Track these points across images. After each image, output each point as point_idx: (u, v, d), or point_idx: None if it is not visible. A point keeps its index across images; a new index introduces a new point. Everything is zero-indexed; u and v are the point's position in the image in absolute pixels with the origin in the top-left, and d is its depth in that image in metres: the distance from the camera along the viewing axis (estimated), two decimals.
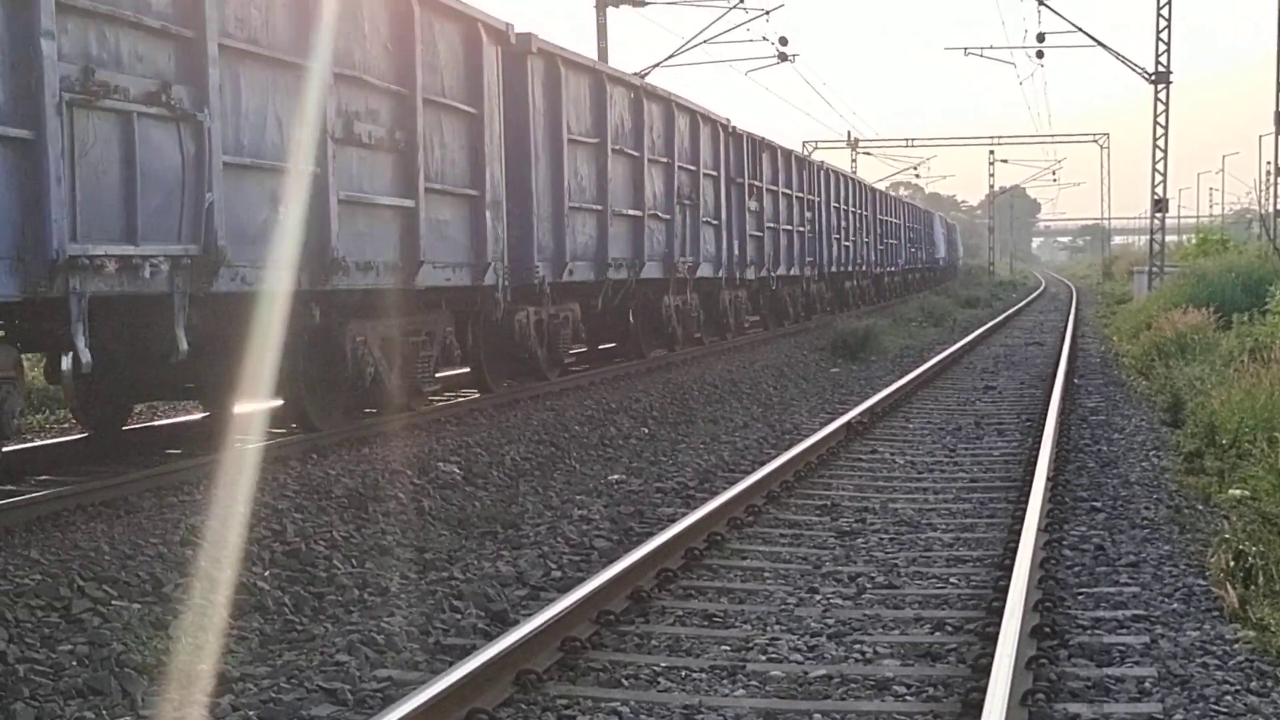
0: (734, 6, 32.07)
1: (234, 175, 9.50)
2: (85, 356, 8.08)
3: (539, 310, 16.08)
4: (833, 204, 34.98)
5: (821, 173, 33.93)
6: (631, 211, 18.91)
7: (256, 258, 9.86)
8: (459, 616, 6.82)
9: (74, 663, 5.98)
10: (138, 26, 8.48)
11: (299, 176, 10.39)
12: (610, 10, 31.70)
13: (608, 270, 17.77)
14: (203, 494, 9.10)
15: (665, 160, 20.39)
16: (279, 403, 11.71)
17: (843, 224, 36.45)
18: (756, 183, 26.50)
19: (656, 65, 32.61)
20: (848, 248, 37.31)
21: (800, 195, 30.66)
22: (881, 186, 49.08)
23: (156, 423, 13.20)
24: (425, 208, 12.38)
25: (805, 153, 41.61)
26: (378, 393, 12.45)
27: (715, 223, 23.39)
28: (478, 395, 15.44)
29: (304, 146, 10.42)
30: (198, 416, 12.63)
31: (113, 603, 6.72)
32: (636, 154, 19.07)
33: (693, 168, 21.77)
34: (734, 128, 24.69)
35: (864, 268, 40.67)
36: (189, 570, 7.29)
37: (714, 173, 23.21)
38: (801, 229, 30.81)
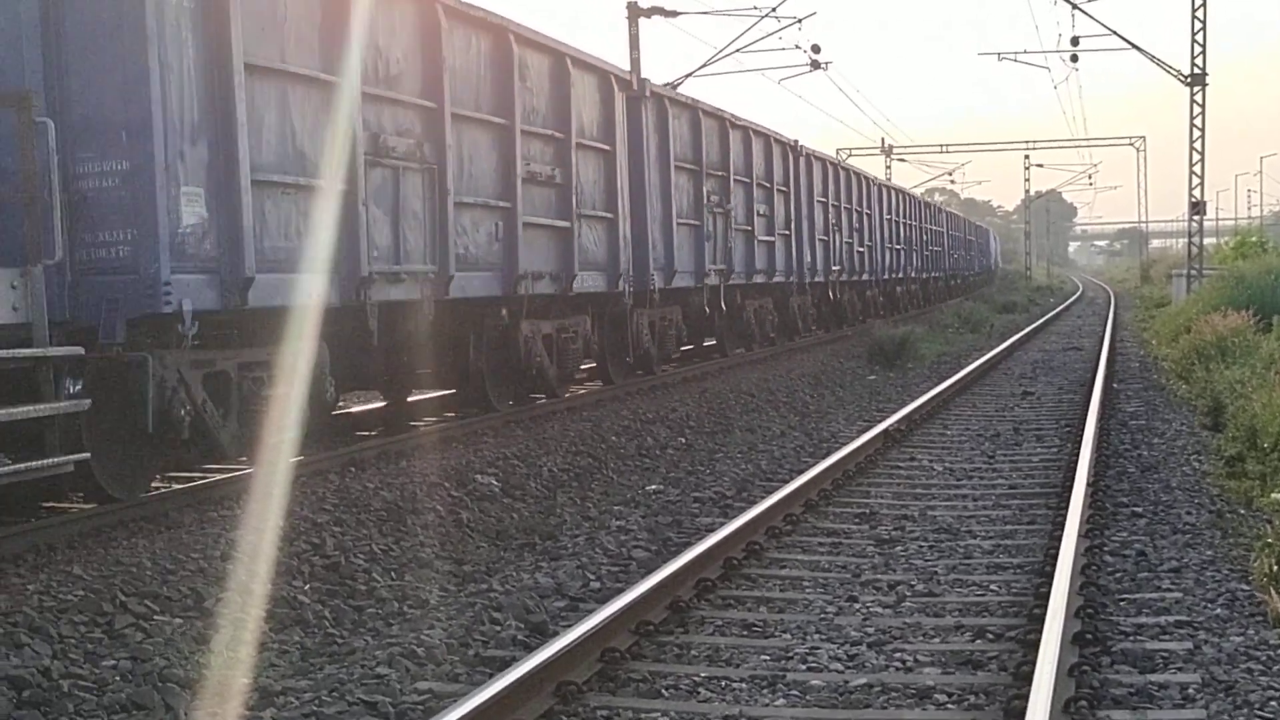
0: (766, 15, 31.99)
1: None
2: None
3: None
4: (949, 232, 55.48)
5: (943, 213, 55.52)
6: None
7: None
8: (498, 628, 6.83)
9: (117, 678, 6.02)
10: None
11: None
12: (642, 21, 31.69)
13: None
14: (242, 508, 9.15)
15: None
16: None
17: (948, 244, 55.25)
18: (924, 224, 46.56)
19: (689, 75, 32.62)
20: (954, 258, 57.64)
21: (933, 228, 50.10)
22: (917, 193, 50.71)
23: None
24: None
25: (935, 200, 61.15)
26: None
27: (904, 248, 40.75)
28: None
29: None
30: None
31: (155, 618, 6.77)
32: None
33: (894, 217, 39.07)
34: (916, 196, 45.21)
35: (955, 271, 59.32)
36: (230, 584, 7.34)
37: (910, 221, 41.84)
38: (937, 249, 50.72)
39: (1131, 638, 6.44)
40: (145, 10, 8.63)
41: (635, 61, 30.96)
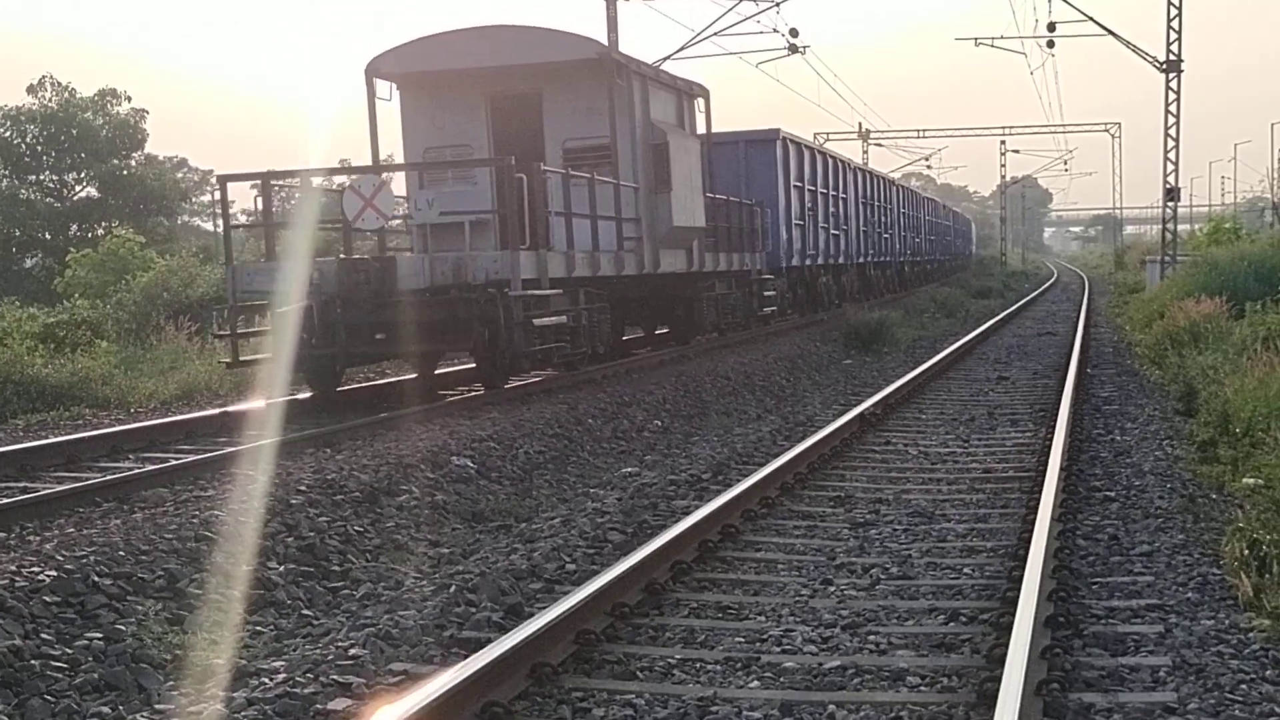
0: None
1: None
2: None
3: None
4: (952, 225, 70.38)
5: (951, 211, 73.31)
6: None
7: None
8: (473, 610, 6.82)
9: (90, 658, 6.00)
10: None
11: None
12: (620, 4, 31.65)
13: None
14: (217, 489, 9.13)
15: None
16: None
17: (951, 235, 69.41)
18: (939, 220, 62.16)
19: (667, 58, 32.58)
20: (953, 244, 70.31)
21: (943, 222, 64.57)
22: (895, 177, 51.23)
23: None
24: None
25: (944, 202, 75.47)
26: None
27: (935, 237, 58.57)
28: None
29: None
30: None
31: (128, 598, 6.75)
32: None
33: (926, 216, 55.30)
34: (936, 200, 64.75)
35: (951, 254, 69.93)
36: (204, 565, 7.32)
37: (930, 218, 57.76)
38: (950, 239, 67.77)
39: (1103, 621, 6.48)
40: (778, 166, 28.36)
41: (613, 44, 30.90)
